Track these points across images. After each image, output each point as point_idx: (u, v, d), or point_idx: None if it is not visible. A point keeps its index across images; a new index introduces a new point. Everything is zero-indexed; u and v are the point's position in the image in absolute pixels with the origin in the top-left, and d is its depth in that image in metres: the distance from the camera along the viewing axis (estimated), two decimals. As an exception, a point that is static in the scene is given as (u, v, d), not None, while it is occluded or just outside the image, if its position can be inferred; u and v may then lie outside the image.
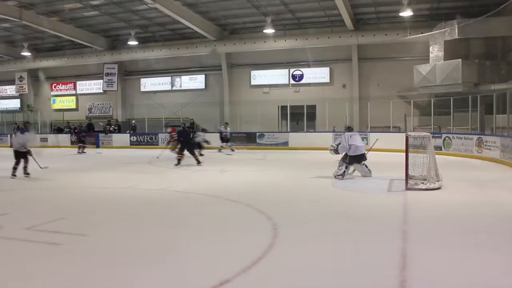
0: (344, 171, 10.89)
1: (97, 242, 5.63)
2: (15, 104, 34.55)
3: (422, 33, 21.68)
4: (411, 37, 22.15)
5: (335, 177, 10.82)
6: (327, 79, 26.19)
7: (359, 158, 11.01)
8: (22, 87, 32.42)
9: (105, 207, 8.00)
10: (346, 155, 10.99)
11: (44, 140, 28.72)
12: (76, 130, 28.51)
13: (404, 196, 8.42)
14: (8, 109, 34.64)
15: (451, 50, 21.04)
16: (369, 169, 11.22)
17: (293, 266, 4.64)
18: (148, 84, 30.44)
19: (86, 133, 23.85)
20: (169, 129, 18.86)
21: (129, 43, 26.31)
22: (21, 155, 11.94)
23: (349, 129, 11.81)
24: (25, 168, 11.94)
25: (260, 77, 27.62)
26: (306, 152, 20.34)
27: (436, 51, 21.59)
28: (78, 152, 21.74)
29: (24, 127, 15.25)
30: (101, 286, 4.19)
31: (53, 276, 4.48)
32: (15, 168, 11.87)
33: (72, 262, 4.89)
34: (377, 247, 5.27)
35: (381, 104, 22.24)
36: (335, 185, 10.21)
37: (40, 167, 12.38)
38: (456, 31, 20.28)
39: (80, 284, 4.24)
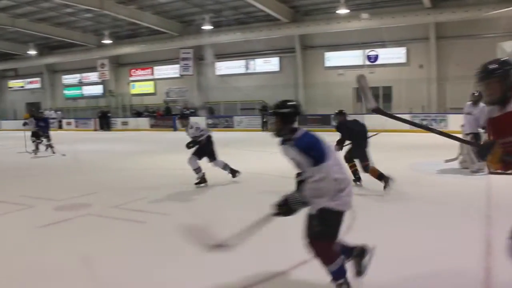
0: None
1: (178, 222, 5.87)
2: (98, 90, 36.07)
3: (507, 7, 20.43)
4: (494, 12, 20.90)
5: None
6: (403, 60, 25.34)
7: None
8: (104, 73, 33.77)
9: (185, 189, 8.29)
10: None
11: (125, 123, 30.18)
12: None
13: (486, 180, 8.07)
14: (92, 95, 36.33)
15: (540, 25, 19.76)
16: None
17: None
18: (223, 67, 30.80)
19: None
20: None
21: (203, 27, 26.76)
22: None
23: None
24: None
25: (334, 58, 27.19)
26: (382, 134, 19.89)
27: (522, 27, 20.34)
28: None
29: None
30: (179, 263, 4.40)
31: (135, 252, 4.77)
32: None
33: (153, 239, 5.18)
34: (459, 232, 5.11)
35: (460, 84, 21.21)
36: (412, 167, 10.00)
37: None
38: (546, 4, 18.97)
39: (158, 261, 4.48)
